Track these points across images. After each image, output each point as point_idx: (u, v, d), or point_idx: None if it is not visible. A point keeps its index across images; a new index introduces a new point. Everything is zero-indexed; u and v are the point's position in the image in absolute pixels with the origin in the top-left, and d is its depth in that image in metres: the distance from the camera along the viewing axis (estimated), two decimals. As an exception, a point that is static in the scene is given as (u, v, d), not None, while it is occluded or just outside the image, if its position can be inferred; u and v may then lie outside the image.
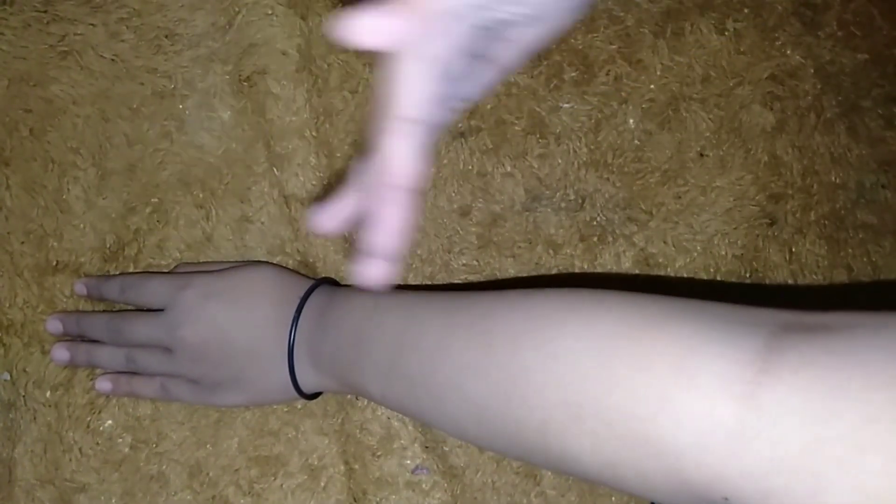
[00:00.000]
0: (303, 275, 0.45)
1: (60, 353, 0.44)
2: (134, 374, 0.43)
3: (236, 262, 0.45)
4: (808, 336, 0.25)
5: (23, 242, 0.45)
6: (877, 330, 0.24)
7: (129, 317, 0.43)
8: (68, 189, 0.45)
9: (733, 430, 0.24)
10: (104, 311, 0.45)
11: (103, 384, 0.43)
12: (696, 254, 0.47)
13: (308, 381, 0.41)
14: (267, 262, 0.45)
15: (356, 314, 0.39)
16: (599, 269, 0.47)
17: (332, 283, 0.44)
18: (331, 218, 0.32)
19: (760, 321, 0.27)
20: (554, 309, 0.31)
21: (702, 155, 0.48)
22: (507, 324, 0.32)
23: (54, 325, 0.44)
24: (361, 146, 0.47)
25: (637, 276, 0.47)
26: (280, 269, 0.44)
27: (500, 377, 0.31)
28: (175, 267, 0.45)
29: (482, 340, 0.32)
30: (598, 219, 0.47)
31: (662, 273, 0.47)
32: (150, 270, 0.45)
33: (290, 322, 0.40)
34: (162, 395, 0.43)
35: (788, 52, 0.49)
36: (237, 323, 0.40)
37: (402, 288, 0.44)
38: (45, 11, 0.46)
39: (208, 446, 0.44)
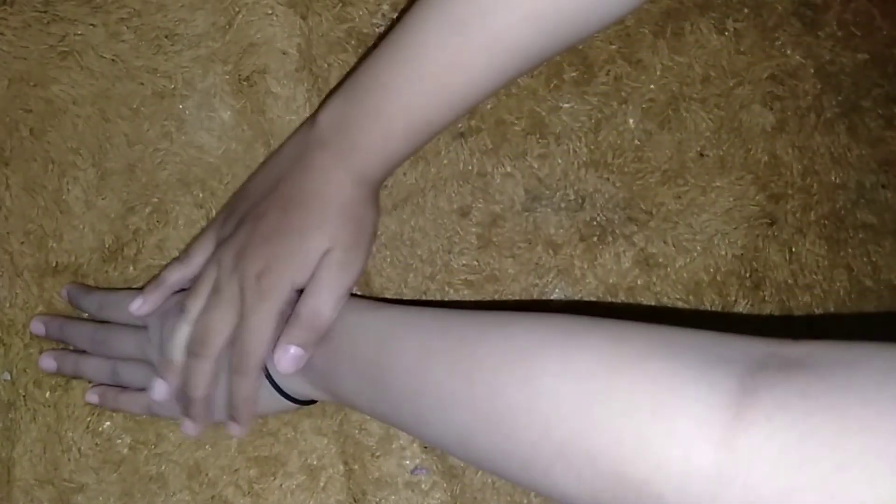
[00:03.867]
0: None
1: (47, 361, 0.43)
2: (122, 388, 0.43)
3: None
4: (782, 376, 0.25)
5: (22, 243, 0.45)
6: (850, 369, 0.24)
7: (113, 330, 0.43)
8: (68, 189, 0.45)
9: (711, 476, 0.25)
10: (91, 320, 0.45)
11: (91, 397, 0.43)
12: (696, 254, 0.47)
13: (299, 391, 0.41)
14: None
15: (337, 330, 0.39)
16: (599, 270, 0.47)
17: None
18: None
19: (737, 357, 0.27)
20: (532, 343, 0.32)
21: (702, 155, 0.48)
22: (486, 355, 0.32)
23: (37, 328, 0.44)
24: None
25: (624, 305, 0.47)
26: None
27: (482, 410, 0.32)
28: (165, 267, 0.44)
29: (463, 371, 0.33)
30: (598, 219, 0.47)
31: (662, 273, 0.47)
32: (153, 266, 0.45)
33: None
34: (148, 413, 0.43)
35: (788, 52, 0.49)
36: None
37: (386, 301, 0.44)
38: (45, 11, 0.46)
39: (207, 447, 0.44)
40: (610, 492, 0.28)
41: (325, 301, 0.38)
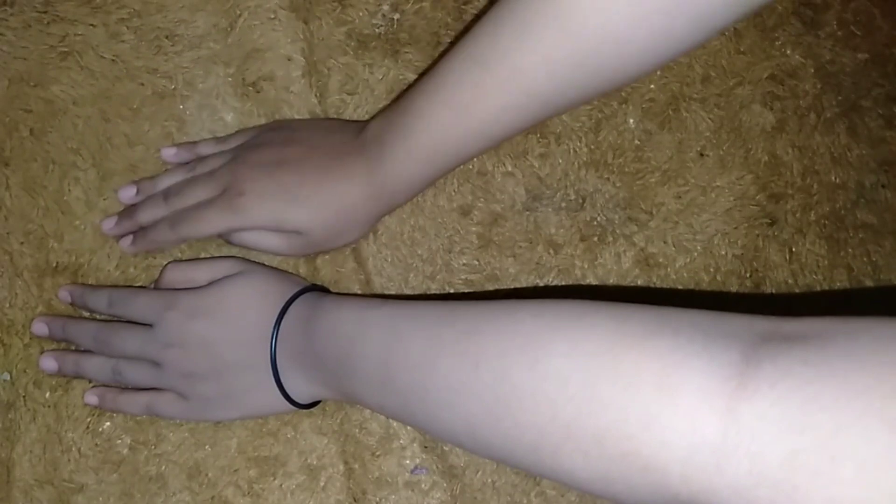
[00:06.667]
0: (295, 275, 0.45)
1: (48, 362, 0.43)
2: (122, 389, 0.43)
3: (225, 257, 0.45)
4: (784, 347, 0.25)
5: (22, 243, 0.45)
6: (850, 339, 0.25)
7: (117, 328, 0.43)
8: (69, 190, 0.45)
9: (716, 446, 0.25)
10: (92, 319, 0.45)
11: (90, 398, 0.43)
12: (696, 254, 0.47)
13: (302, 392, 0.41)
14: (252, 271, 0.43)
15: (344, 327, 0.39)
16: (600, 269, 0.47)
17: (320, 289, 0.44)
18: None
19: (739, 332, 0.27)
20: (540, 327, 0.32)
21: (702, 155, 0.48)
22: (493, 343, 0.33)
23: (40, 328, 0.44)
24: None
25: (627, 287, 0.47)
26: (264, 278, 0.43)
27: (490, 397, 0.32)
28: (164, 267, 0.44)
29: (470, 359, 0.33)
30: (599, 219, 0.47)
31: (662, 273, 0.47)
32: (153, 266, 0.45)
33: (271, 335, 0.40)
34: (148, 414, 0.43)
35: (788, 52, 0.49)
36: (222, 339, 0.40)
37: (390, 297, 0.44)
38: (46, 12, 0.46)
39: (207, 447, 0.44)
40: (617, 470, 0.28)
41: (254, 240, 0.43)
